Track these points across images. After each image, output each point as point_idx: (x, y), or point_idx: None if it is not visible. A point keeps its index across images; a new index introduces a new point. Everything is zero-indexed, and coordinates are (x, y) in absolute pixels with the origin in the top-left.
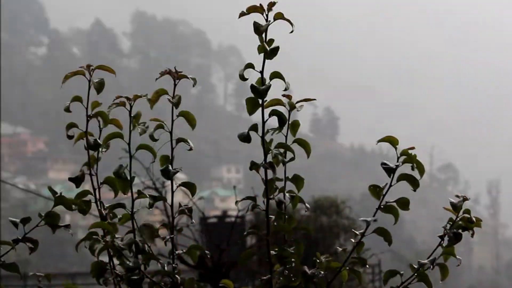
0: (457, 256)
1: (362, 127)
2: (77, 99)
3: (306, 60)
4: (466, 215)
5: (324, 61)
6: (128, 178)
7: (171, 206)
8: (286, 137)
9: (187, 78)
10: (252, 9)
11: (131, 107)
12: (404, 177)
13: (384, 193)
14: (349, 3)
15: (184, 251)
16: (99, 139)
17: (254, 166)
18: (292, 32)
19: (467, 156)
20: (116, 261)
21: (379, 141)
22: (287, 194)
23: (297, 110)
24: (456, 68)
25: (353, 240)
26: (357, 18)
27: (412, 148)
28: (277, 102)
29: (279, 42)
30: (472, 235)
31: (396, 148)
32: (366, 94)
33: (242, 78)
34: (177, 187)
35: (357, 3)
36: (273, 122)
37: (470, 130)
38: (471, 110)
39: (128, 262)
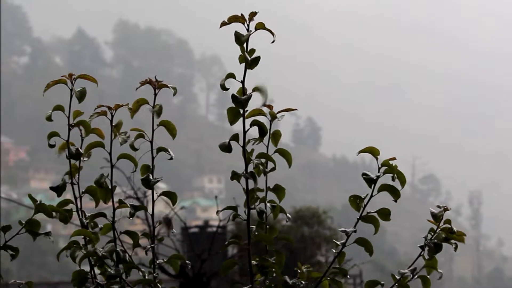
0: (439, 269)
1: (344, 138)
2: (59, 108)
3: (289, 74)
4: (447, 225)
5: (307, 75)
6: (109, 187)
7: (152, 215)
8: (267, 147)
9: (168, 87)
10: (233, 19)
11: (112, 116)
12: (385, 187)
13: (365, 203)
14: (331, 21)
15: (165, 260)
16: (80, 148)
17: (235, 176)
18: (273, 42)
19: (449, 167)
20: (97, 271)
21: (360, 151)
22: (268, 204)
23: (278, 120)
24: (439, 80)
25: (334, 251)
26: (339, 32)
27: (393, 158)
28: (259, 112)
29: (262, 54)
30: (455, 249)
31: (377, 159)
32: (348, 106)
33: (223, 88)
34: (158, 196)
35: (339, 20)
36: (256, 132)
37: (452, 142)
38: (453, 122)
39: (110, 270)
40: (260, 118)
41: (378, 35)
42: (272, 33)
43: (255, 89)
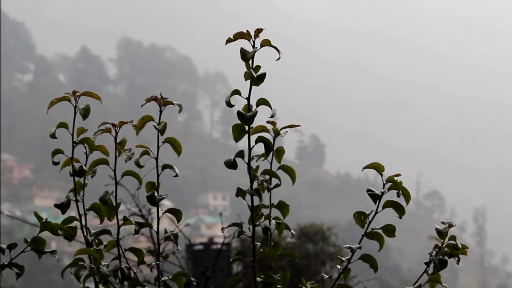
0: (443, 283)
1: (348, 155)
2: (63, 125)
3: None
4: (452, 241)
5: (310, 93)
6: (114, 204)
7: (157, 232)
8: (271, 163)
9: (173, 104)
10: (239, 36)
11: (116, 133)
12: (389, 203)
13: (369, 220)
14: (334, 38)
15: (170, 277)
16: (85, 165)
17: (240, 192)
18: (279, 59)
19: (452, 184)
20: None
21: (365, 167)
22: (273, 221)
23: (282, 136)
24: (441, 97)
25: (339, 267)
26: (342, 50)
27: (398, 175)
28: (262, 128)
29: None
30: (458, 261)
31: (381, 175)
32: (352, 123)
33: (229, 104)
34: (163, 213)
35: (341, 37)
36: (258, 149)
37: (455, 158)
38: (455, 139)
39: (114, 287)
40: (264, 135)
41: (380, 52)
42: (278, 50)
43: (260, 102)
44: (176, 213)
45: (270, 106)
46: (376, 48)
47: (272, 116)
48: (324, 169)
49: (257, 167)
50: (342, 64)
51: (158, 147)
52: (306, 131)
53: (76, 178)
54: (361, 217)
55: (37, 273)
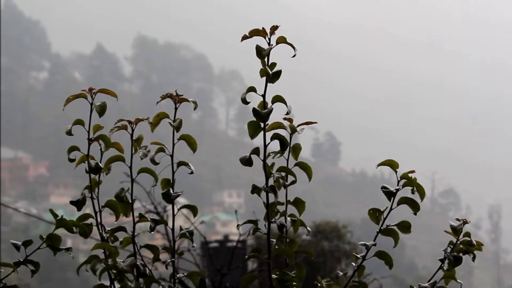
0: (458, 280)
1: (363, 153)
2: (79, 122)
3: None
4: (467, 238)
5: (325, 90)
6: (130, 201)
7: (172, 230)
8: (287, 160)
9: (188, 101)
10: (255, 33)
11: (132, 130)
12: (404, 200)
13: (384, 216)
14: (347, 37)
15: (185, 275)
16: (100, 162)
17: (255, 189)
18: (294, 56)
19: (467, 182)
20: (117, 285)
21: (380, 164)
22: (288, 218)
23: (298, 133)
24: (455, 95)
25: (354, 264)
26: (356, 48)
27: (412, 171)
28: (279, 125)
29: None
30: (473, 259)
31: (396, 172)
32: (366, 121)
33: (244, 101)
34: (178, 210)
35: (354, 35)
36: (274, 146)
37: (469, 156)
38: (471, 136)
39: (130, 284)
40: (280, 132)
41: (396, 50)
42: (294, 47)
43: (276, 99)
44: (191, 209)
45: (285, 103)
46: (391, 46)
47: (287, 113)
48: (340, 167)
49: (273, 164)
50: (356, 62)
51: (174, 144)
52: (321, 129)
53: (92, 175)
54: (376, 214)
55: (52, 271)
